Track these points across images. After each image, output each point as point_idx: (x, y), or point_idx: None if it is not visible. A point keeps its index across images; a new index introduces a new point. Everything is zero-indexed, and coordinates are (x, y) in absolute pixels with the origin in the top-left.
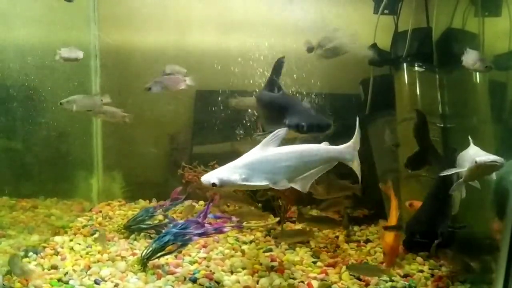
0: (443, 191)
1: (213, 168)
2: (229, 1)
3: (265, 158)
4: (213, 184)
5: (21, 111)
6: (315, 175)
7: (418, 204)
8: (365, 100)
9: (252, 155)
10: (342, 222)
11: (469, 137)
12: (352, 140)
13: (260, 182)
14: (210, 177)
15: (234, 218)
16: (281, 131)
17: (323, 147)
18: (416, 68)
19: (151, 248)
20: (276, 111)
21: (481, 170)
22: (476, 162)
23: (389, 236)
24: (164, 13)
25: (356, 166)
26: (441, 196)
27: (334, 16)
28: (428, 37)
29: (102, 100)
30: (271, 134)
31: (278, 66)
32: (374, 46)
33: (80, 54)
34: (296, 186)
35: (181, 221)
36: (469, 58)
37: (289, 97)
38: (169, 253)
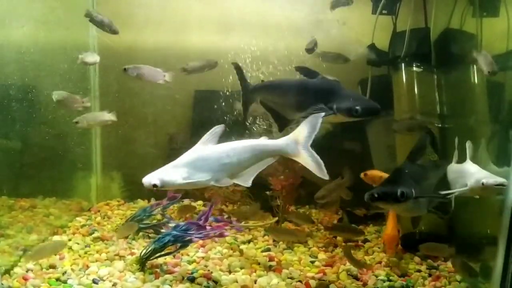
0: (409, 163)
1: None
2: (229, 1)
3: (206, 156)
4: (154, 185)
5: (20, 110)
6: (257, 170)
7: (372, 173)
8: None
9: (192, 153)
10: (342, 222)
11: (467, 153)
12: (294, 132)
13: (202, 180)
14: (151, 178)
15: (234, 222)
16: (218, 128)
17: (263, 142)
18: (414, 68)
19: (150, 248)
20: (315, 96)
21: (485, 191)
22: (483, 183)
23: (388, 227)
24: (163, 13)
25: (304, 159)
26: (406, 168)
27: (332, 16)
28: (426, 37)
29: (83, 102)
30: (209, 132)
31: (239, 71)
32: (372, 46)
33: (97, 58)
34: (238, 181)
35: (182, 223)
36: (483, 60)
37: (332, 81)
38: (168, 253)
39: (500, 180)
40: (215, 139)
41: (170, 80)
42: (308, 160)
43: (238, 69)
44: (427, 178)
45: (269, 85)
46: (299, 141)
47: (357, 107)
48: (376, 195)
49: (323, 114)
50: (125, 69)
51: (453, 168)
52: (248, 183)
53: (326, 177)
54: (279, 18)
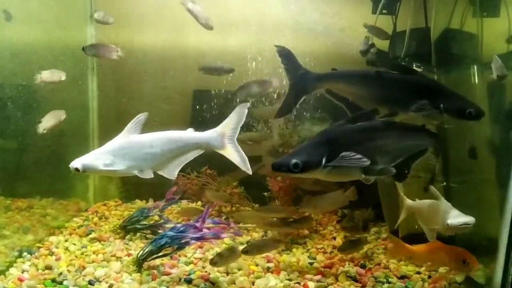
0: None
1: (205, 173)
2: (227, 1)
3: (129, 144)
4: (76, 169)
5: (17, 110)
6: (182, 162)
7: None
8: None
9: (117, 141)
10: (342, 223)
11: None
12: (221, 125)
13: (123, 168)
14: (75, 162)
15: (232, 224)
16: (142, 116)
17: (188, 134)
18: (414, 68)
19: (147, 249)
20: (412, 92)
21: (452, 230)
22: (448, 224)
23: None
24: (162, 12)
25: (229, 153)
26: (333, 132)
27: (332, 15)
28: (426, 37)
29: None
30: (133, 120)
31: (289, 56)
32: (372, 46)
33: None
34: (163, 173)
35: (179, 225)
36: (494, 63)
37: (432, 79)
38: (165, 255)
39: (464, 220)
40: (139, 128)
41: (123, 55)
42: (233, 154)
43: (288, 53)
44: (369, 140)
45: (351, 75)
46: (225, 134)
47: (471, 110)
48: (272, 166)
49: (248, 105)
50: (83, 48)
51: (430, 203)
52: (173, 176)
53: (250, 172)
54: (277, 17)
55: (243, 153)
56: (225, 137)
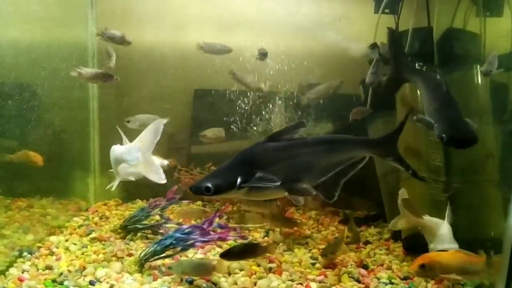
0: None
1: (209, 170)
2: (228, 0)
3: (125, 151)
4: None
5: (17, 109)
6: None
7: None
8: (365, 100)
9: None
10: (348, 225)
11: (446, 215)
12: (136, 140)
13: (127, 172)
14: None
15: (238, 230)
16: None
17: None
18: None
19: (151, 249)
20: (432, 108)
21: None
22: (430, 248)
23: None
24: (162, 11)
25: (144, 169)
26: (252, 151)
27: (334, 15)
28: (429, 37)
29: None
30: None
31: (394, 39)
32: (374, 45)
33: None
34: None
35: (185, 226)
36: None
37: (450, 97)
38: (168, 256)
39: (442, 247)
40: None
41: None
42: (146, 168)
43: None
44: (290, 158)
45: (424, 76)
46: (140, 148)
47: (443, 135)
48: (190, 189)
49: (164, 121)
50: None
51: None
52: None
53: (164, 181)
54: (279, 16)
55: (157, 167)
56: (140, 150)
